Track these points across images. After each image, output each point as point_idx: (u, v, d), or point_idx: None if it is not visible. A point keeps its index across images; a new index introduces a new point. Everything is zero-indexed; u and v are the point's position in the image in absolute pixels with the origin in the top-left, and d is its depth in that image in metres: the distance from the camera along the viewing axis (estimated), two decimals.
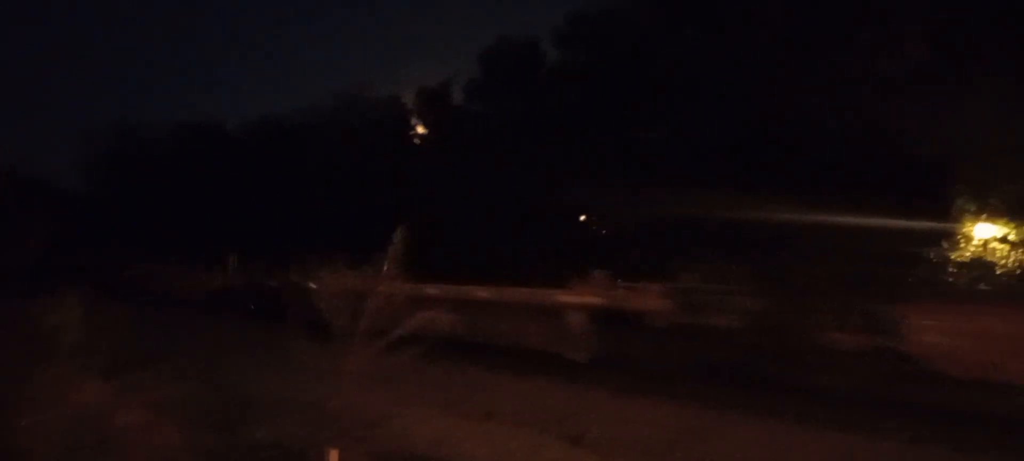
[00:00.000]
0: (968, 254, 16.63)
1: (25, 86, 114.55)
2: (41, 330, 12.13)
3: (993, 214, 16.47)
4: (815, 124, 18.83)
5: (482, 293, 20.85)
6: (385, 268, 10.86)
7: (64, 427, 9.83)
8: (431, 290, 20.78)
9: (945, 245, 16.91)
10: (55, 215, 51.20)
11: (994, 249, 16.38)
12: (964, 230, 16.75)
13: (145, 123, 51.29)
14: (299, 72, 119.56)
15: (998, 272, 16.24)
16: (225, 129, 47.81)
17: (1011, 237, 16.20)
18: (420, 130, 35.77)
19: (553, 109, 27.71)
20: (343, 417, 10.03)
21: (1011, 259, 16.15)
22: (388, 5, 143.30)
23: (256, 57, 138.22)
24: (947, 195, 16.90)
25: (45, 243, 42.10)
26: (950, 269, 16.72)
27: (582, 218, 26.89)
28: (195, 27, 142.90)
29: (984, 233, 16.58)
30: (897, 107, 17.94)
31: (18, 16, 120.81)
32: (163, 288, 33.84)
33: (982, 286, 16.23)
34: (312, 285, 11.53)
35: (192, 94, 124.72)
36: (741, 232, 19.71)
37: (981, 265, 16.41)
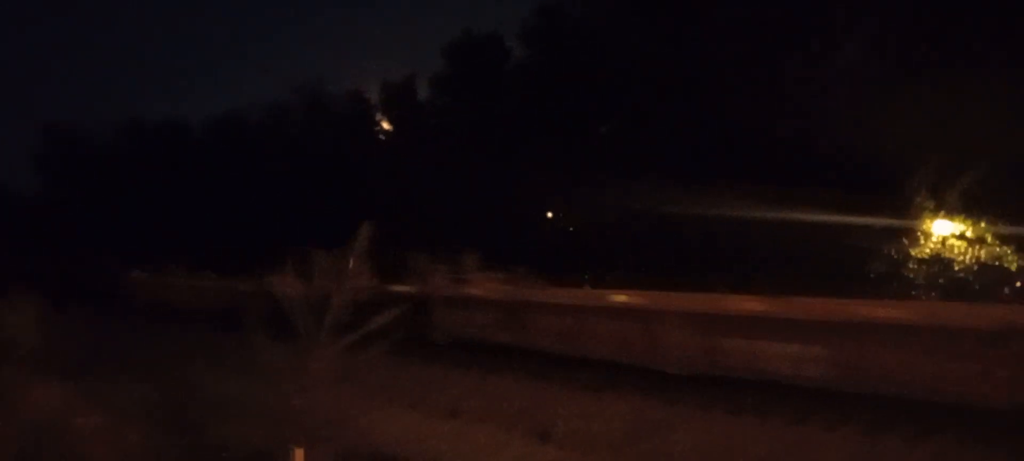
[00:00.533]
0: (927, 251, 16.92)
1: None
2: None
3: (950, 211, 16.79)
4: (777, 125, 19.09)
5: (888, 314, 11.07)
6: (351, 265, 10.72)
7: (26, 431, 9.60)
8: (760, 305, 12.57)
9: (905, 242, 17.20)
10: (8, 217, 50.11)
11: (952, 246, 16.68)
12: (923, 227, 17.05)
13: (102, 122, 50.36)
14: (259, 68, 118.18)
15: (956, 269, 16.55)
16: (186, 127, 47.10)
17: (968, 234, 16.51)
18: (385, 125, 35.55)
19: (519, 103, 27.75)
20: (307, 416, 9.92)
21: (969, 256, 16.46)
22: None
23: (216, 53, 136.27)
24: (906, 192, 17.21)
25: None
26: (910, 265, 16.98)
27: (549, 215, 26.90)
28: (155, 24, 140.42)
29: (942, 230, 16.87)
30: (855, 106, 18.25)
31: None
32: (120, 291, 33.15)
33: (940, 281, 16.52)
34: (276, 285, 11.21)
35: (151, 92, 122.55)
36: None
37: (940, 262, 16.70)
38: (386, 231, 12.21)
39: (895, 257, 17.26)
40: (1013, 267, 15.99)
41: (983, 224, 16.33)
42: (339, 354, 10.26)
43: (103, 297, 31.61)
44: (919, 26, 18.17)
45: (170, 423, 10.78)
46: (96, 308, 27.96)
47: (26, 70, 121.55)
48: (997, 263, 16.19)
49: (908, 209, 17.22)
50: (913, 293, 16.72)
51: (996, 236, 16.22)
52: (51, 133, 49.99)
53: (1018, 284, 15.84)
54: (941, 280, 16.40)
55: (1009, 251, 16.11)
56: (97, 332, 20.65)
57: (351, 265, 10.75)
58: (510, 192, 25.01)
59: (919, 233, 17.15)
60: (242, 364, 11.11)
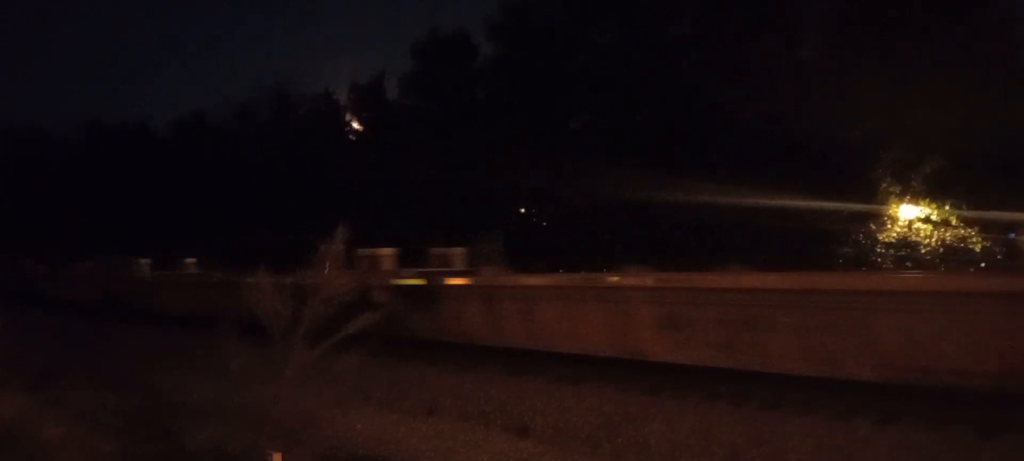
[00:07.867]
0: (894, 234, 17.21)
1: None
2: None
3: (915, 195, 17.10)
4: (744, 113, 19.28)
5: None
6: (327, 266, 10.57)
7: None
8: None
9: (872, 226, 17.47)
10: None
11: (918, 229, 16.98)
12: (889, 211, 17.34)
13: (63, 123, 49.75)
14: (225, 69, 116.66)
15: (923, 251, 16.84)
16: (148, 128, 46.42)
17: (933, 217, 16.82)
18: (355, 126, 35.39)
19: (488, 99, 27.72)
20: (284, 419, 9.79)
21: (934, 238, 16.77)
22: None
23: (181, 54, 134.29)
24: (872, 178, 17.48)
25: None
26: (878, 248, 17.26)
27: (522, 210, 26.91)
28: (117, 25, 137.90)
29: (908, 214, 17.17)
30: (821, 94, 18.50)
31: None
32: (84, 294, 32.43)
33: (908, 265, 16.80)
34: (248, 286, 10.96)
35: (114, 94, 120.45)
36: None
37: (907, 244, 16.99)
38: (359, 230, 12.09)
39: (863, 241, 17.52)
40: (978, 248, 16.33)
41: (948, 207, 16.66)
42: (314, 356, 10.13)
43: (65, 299, 30.93)
44: (883, 14, 18.46)
45: (143, 430, 10.57)
46: (60, 311, 27.36)
47: None
48: (962, 245, 16.52)
49: (875, 194, 17.51)
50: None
51: (961, 219, 16.56)
52: (10, 135, 49.14)
53: (982, 265, 16.19)
54: (908, 263, 16.69)
55: (973, 233, 16.44)
56: (63, 337, 20.25)
57: (326, 266, 10.62)
58: (482, 188, 24.95)
59: (886, 217, 17.44)
60: (215, 367, 10.90)
